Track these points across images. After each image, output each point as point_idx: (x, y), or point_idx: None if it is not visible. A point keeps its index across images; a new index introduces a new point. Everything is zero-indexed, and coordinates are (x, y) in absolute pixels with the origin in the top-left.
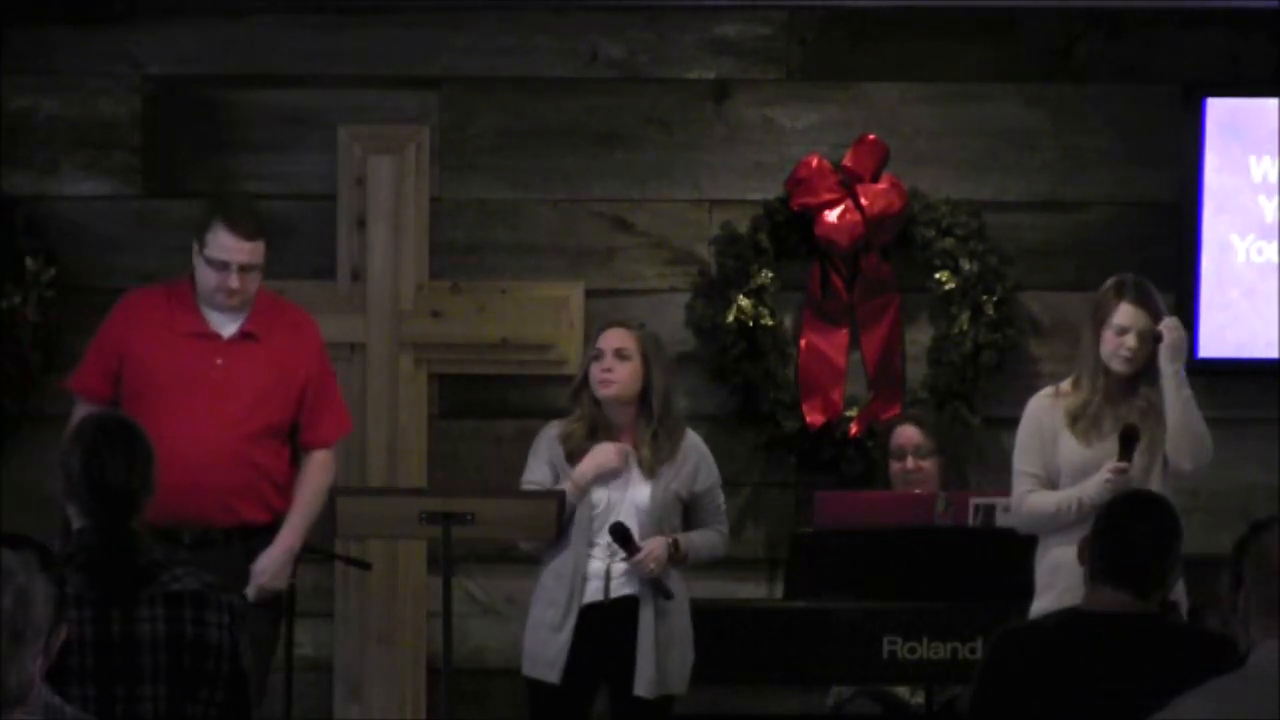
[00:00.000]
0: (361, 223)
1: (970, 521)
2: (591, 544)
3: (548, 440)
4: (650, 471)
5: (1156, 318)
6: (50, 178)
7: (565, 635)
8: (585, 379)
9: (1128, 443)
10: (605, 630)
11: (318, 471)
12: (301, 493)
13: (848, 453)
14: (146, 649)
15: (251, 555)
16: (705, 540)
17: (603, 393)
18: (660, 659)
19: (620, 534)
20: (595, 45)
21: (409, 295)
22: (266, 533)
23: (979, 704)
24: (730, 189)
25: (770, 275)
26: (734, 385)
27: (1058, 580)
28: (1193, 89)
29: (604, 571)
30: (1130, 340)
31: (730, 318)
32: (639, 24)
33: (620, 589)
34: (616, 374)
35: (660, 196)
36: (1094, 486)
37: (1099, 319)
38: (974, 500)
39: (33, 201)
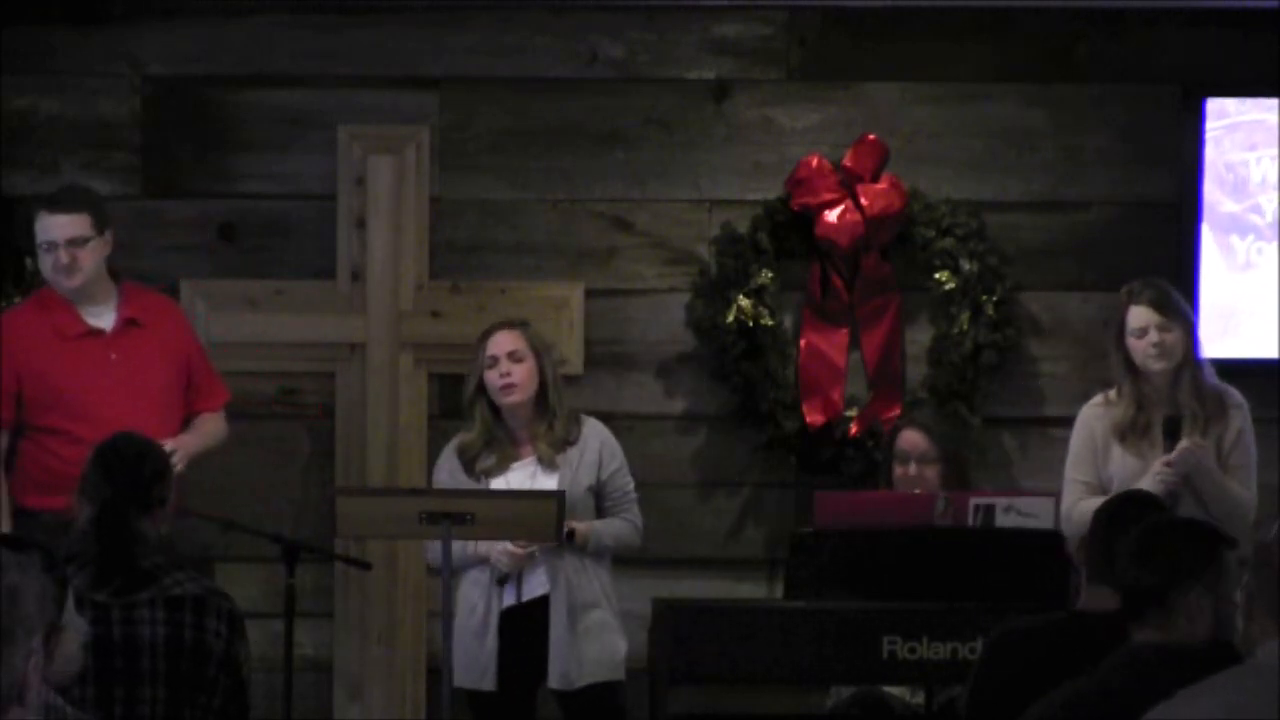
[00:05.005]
0: (361, 223)
1: (970, 522)
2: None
3: (447, 456)
4: (550, 464)
5: (1171, 310)
6: (50, 178)
7: (490, 641)
8: (479, 387)
9: (1172, 433)
10: (524, 631)
11: (213, 420)
12: (199, 424)
13: (848, 453)
14: (146, 652)
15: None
16: (610, 528)
17: (505, 400)
18: (573, 652)
19: None
20: (595, 45)
21: (409, 295)
22: None
23: (975, 704)
24: (730, 189)
25: (770, 275)
26: (734, 385)
27: None
28: (1193, 89)
29: (514, 576)
30: (1153, 336)
31: (730, 318)
32: (639, 24)
33: (533, 591)
34: (516, 377)
35: (660, 196)
36: (1147, 484)
37: (1118, 330)
38: (974, 500)
39: (33, 201)
